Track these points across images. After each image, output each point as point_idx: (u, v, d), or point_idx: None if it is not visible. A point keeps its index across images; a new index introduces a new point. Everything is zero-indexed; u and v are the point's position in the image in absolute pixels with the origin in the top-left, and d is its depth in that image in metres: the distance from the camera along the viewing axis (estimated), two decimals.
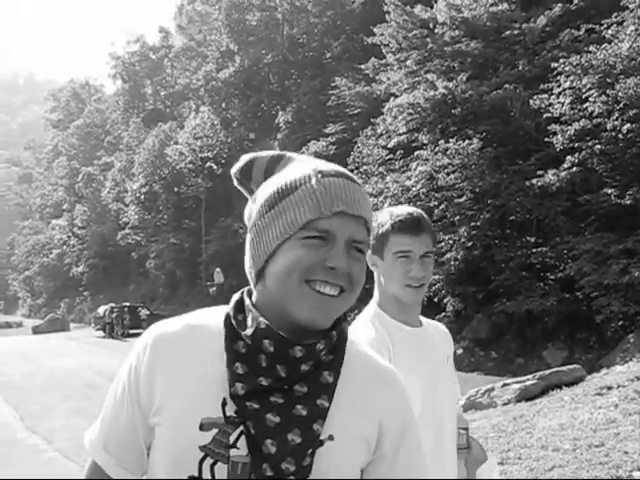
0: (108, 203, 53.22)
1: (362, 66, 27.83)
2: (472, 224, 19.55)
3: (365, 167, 24.43)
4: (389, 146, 23.27)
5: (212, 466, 1.20)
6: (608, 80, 16.74)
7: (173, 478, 1.22)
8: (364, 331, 2.07)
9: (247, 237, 1.30)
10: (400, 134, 22.44)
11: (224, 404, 1.21)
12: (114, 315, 35.56)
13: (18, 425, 11.54)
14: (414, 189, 20.42)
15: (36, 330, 46.04)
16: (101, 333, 36.12)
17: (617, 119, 16.42)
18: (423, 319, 2.29)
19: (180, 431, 1.22)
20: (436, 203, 20.30)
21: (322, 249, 1.21)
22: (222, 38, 43.89)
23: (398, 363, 1.90)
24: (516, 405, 9.79)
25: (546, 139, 17.95)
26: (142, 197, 45.88)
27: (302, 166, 1.29)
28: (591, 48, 17.31)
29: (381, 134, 23.84)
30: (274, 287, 1.24)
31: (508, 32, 20.79)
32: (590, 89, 17.02)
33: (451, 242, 19.62)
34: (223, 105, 42.95)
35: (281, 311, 1.23)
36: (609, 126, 16.54)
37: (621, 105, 16.36)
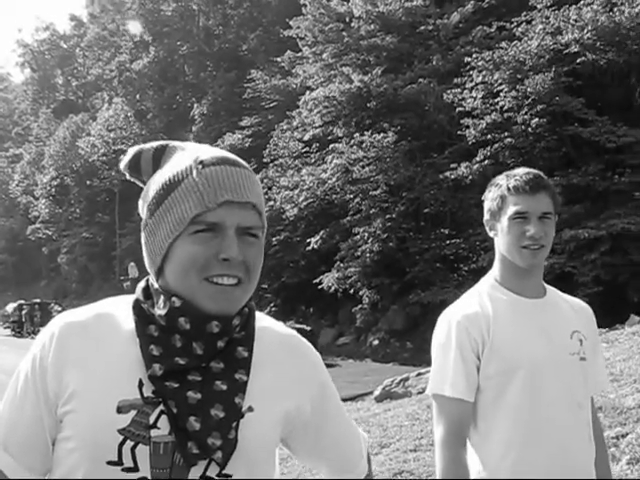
0: (17, 196, 51.52)
1: (278, 59, 27.79)
2: (387, 216, 19.78)
3: (281, 160, 24.40)
4: (305, 139, 23.29)
5: (133, 449, 1.16)
6: (518, 76, 17.21)
7: (90, 466, 1.17)
8: (463, 302, 2.00)
9: (142, 235, 1.28)
10: (316, 127, 22.48)
11: (141, 385, 1.19)
12: (23, 312, 34.53)
13: None
14: (330, 182, 20.49)
15: None
16: (9, 332, 35.00)
17: (526, 113, 16.90)
18: (557, 292, 2.10)
19: (96, 416, 1.18)
20: (351, 196, 20.45)
21: (213, 241, 1.19)
22: (136, 27, 43.05)
23: (498, 336, 1.89)
24: None
25: (459, 132, 18.31)
26: (53, 190, 44.62)
27: (184, 157, 1.26)
28: (502, 44, 17.76)
29: (297, 127, 23.84)
30: (175, 284, 1.22)
31: (423, 27, 21.12)
32: (501, 84, 17.46)
33: (366, 234, 19.78)
34: (137, 97, 42.17)
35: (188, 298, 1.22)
36: (519, 120, 17.02)
37: (530, 100, 16.84)
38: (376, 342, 19.66)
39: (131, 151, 1.34)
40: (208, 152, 1.26)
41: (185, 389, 1.19)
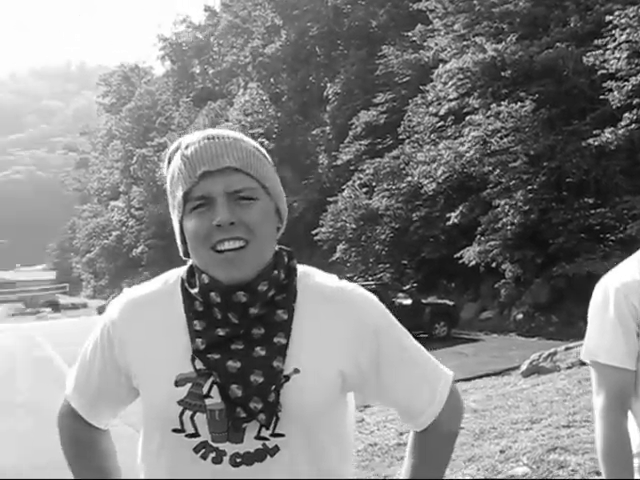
0: (163, 183, 53.72)
1: (409, 33, 27.48)
2: (528, 187, 19.29)
3: (417, 135, 24.25)
4: (440, 113, 23.00)
5: (192, 417, 1.31)
6: None
7: (160, 434, 1.36)
8: (621, 270, 1.91)
9: None
10: (451, 100, 22.15)
11: (193, 359, 1.31)
12: None
13: None
14: (467, 155, 20.18)
15: (101, 311, 47.29)
16: None
17: None
18: None
19: (158, 390, 1.34)
20: (490, 168, 20.05)
21: (207, 213, 1.28)
22: (267, 13, 43.78)
23: None
24: (580, 368, 9.70)
25: (601, 97, 17.51)
26: None
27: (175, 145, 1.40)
28: None
29: (431, 101, 23.57)
30: (195, 261, 1.35)
31: None
32: None
33: (507, 207, 19.40)
34: (271, 80, 42.96)
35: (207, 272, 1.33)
36: None
37: None
38: (520, 316, 19.31)
39: (171, 147, 1.44)
40: (192, 136, 1.37)
41: (226, 359, 1.28)
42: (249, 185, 1.31)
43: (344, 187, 27.40)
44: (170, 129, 56.38)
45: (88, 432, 1.51)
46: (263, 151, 1.40)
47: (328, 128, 35.23)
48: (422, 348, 1.45)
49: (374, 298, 1.41)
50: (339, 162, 30.44)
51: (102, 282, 70.86)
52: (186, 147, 1.34)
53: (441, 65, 22.37)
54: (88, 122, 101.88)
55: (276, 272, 1.34)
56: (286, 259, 1.40)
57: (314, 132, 36.18)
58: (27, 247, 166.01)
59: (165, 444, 1.36)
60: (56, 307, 60.02)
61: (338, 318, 1.34)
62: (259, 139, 39.36)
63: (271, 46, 41.81)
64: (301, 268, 1.41)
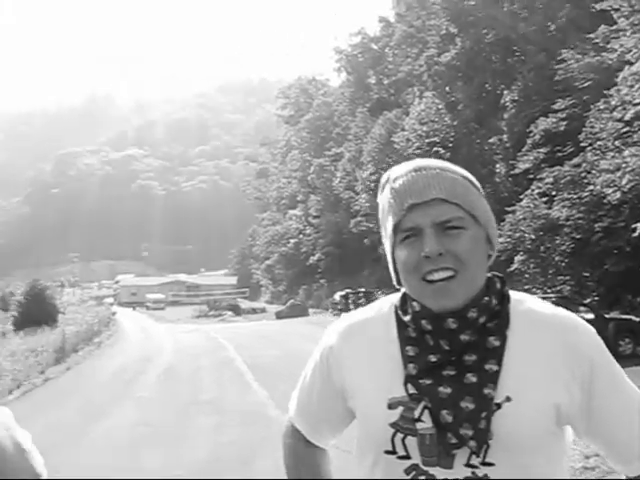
0: (340, 192, 54.99)
1: (591, 35, 26.42)
2: None
3: (600, 142, 23.25)
4: (625, 118, 21.90)
5: (403, 440, 1.35)
6: None
7: (374, 455, 1.41)
8: None
9: None
10: (637, 104, 21.07)
11: (406, 383, 1.35)
12: (350, 300, 36.84)
13: (269, 404, 12.08)
14: None
15: (279, 315, 49.20)
16: (337, 318, 37.62)
17: None
18: None
19: (371, 412, 1.40)
20: None
21: (416, 244, 1.32)
22: (441, 22, 43.61)
23: None
24: None
25: None
26: (372, 185, 46.97)
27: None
28: None
29: (615, 106, 22.50)
30: (407, 289, 1.40)
31: None
32: None
33: None
34: (447, 89, 42.73)
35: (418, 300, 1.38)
36: None
37: None
38: None
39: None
40: (400, 167, 1.40)
41: (437, 385, 1.31)
42: (456, 215, 1.32)
43: (522, 196, 26.76)
44: (347, 139, 57.45)
45: (309, 451, 1.62)
46: (471, 178, 1.41)
47: (505, 136, 34.54)
48: (637, 388, 1.38)
49: (590, 328, 1.37)
50: (517, 171, 29.78)
51: (280, 288, 73.10)
52: (395, 180, 1.38)
53: (627, 67, 21.34)
54: (268, 134, 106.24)
55: (487, 299, 1.35)
56: (498, 285, 1.40)
57: (491, 140, 35.61)
58: (211, 253, 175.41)
59: (378, 463, 1.41)
60: (237, 311, 62.65)
61: (552, 346, 1.32)
62: (435, 148, 39.32)
63: (446, 54, 41.59)
64: (515, 295, 1.41)
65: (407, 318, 1.40)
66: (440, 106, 41.06)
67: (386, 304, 1.50)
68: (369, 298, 36.80)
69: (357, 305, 36.03)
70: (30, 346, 21.41)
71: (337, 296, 40.55)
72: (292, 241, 66.67)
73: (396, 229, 1.35)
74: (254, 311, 62.71)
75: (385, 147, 44.23)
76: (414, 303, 1.38)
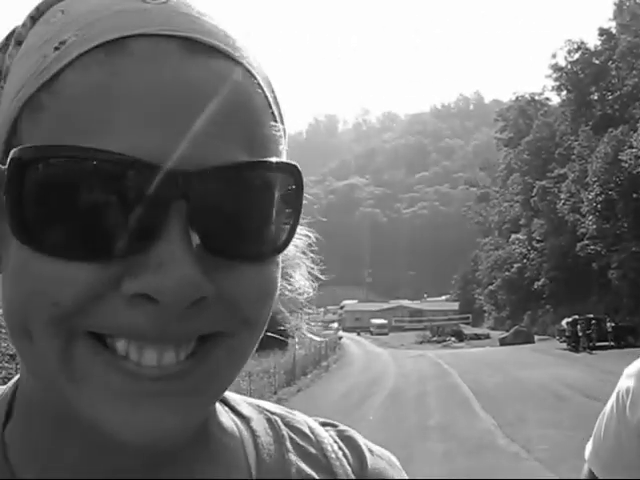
0: (564, 215, 53.27)
1: None
2: None
3: None
4: None
5: None
6: None
7: None
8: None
9: None
10: None
11: None
12: (578, 327, 35.45)
13: (497, 432, 12.17)
14: None
15: (503, 342, 48.43)
16: (565, 345, 36.33)
17: None
18: None
19: None
20: None
21: None
22: None
23: None
24: None
25: None
26: (598, 206, 45.05)
27: None
28: None
29: None
30: None
31: None
32: None
33: None
34: None
35: None
36: None
37: None
38: None
39: None
40: None
41: None
42: None
43: None
44: (570, 159, 55.57)
45: None
46: None
47: None
48: None
49: None
50: None
51: (503, 313, 71.70)
52: None
53: None
54: (487, 157, 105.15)
55: None
56: None
57: None
58: (433, 278, 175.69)
59: None
60: (460, 337, 62.30)
61: None
62: None
63: None
64: None
65: None
66: None
67: None
68: (598, 325, 35.18)
69: (587, 333, 34.56)
70: (264, 367, 22.97)
71: (564, 323, 39.12)
72: (515, 266, 65.27)
73: None
74: (477, 337, 62.04)
75: (612, 166, 42.28)
76: None
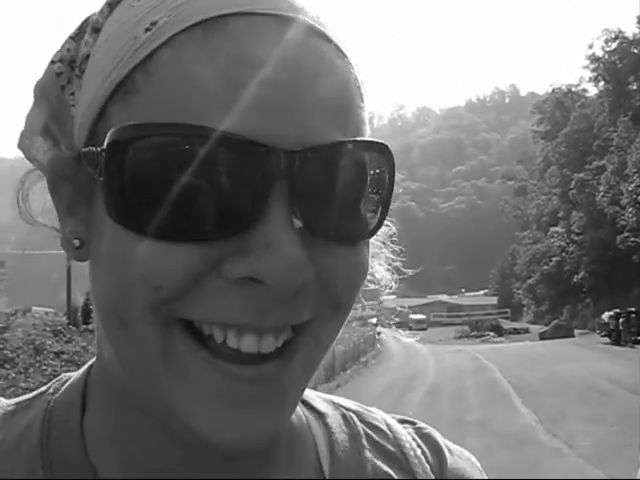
0: (603, 207, 52.70)
1: None
2: None
3: None
4: None
5: None
6: None
7: None
8: None
9: None
10: None
11: None
12: (620, 321, 35.11)
13: (538, 428, 12.17)
14: None
15: (542, 336, 48.07)
16: (606, 340, 35.99)
17: None
18: None
19: None
20: None
21: None
22: None
23: None
24: None
25: None
26: (638, 198, 44.49)
27: None
28: None
29: None
30: None
31: None
32: None
33: None
34: None
35: None
36: None
37: None
38: None
39: None
40: None
41: None
42: None
43: None
44: (608, 151, 54.94)
45: None
46: None
47: None
48: None
49: None
50: None
51: (542, 308, 71.14)
52: None
53: None
54: (524, 150, 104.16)
55: None
56: None
57: None
58: (470, 273, 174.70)
59: None
60: (499, 331, 61.93)
61: None
62: None
63: None
64: None
65: None
66: None
67: None
68: None
69: (629, 327, 34.21)
70: None
71: (605, 316, 38.70)
72: (554, 259, 64.71)
73: None
74: (516, 332, 61.61)
75: None
76: None
